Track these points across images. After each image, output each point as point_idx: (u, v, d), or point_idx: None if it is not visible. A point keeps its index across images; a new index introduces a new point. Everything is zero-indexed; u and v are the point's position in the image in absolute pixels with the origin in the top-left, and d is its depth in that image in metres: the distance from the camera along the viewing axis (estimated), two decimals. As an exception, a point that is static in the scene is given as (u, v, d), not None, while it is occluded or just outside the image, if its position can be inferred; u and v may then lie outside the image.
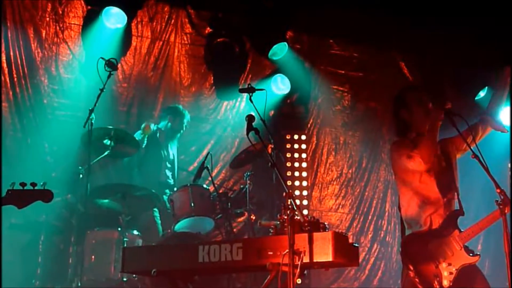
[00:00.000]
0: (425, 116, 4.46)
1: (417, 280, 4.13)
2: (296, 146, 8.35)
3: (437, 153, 4.46)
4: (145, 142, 6.81)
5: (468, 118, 4.30)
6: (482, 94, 8.45)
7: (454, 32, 8.17)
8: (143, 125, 6.80)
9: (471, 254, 4.18)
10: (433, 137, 4.32)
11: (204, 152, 7.53)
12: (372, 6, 7.83)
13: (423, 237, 4.26)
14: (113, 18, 7.29)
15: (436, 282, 4.12)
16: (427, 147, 4.27)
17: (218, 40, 8.10)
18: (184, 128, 7.26)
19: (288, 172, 8.16)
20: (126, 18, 7.31)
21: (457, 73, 8.64)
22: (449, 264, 4.17)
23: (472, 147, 4.06)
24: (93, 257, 6.00)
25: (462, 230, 4.27)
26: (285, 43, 7.99)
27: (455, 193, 4.41)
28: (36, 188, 3.97)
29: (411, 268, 4.16)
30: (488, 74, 8.26)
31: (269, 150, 5.97)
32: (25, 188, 3.96)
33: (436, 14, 7.84)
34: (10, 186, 4.00)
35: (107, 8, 7.21)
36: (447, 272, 4.15)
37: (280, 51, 8.03)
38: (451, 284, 4.12)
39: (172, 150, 7.24)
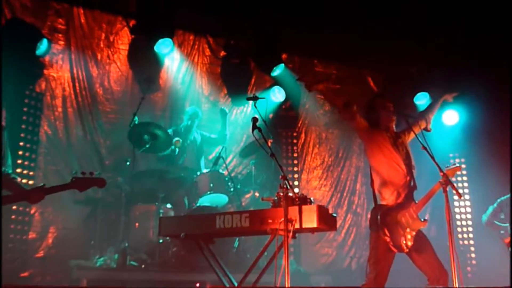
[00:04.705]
0: (387, 116, 4.52)
1: (390, 242, 4.13)
2: (289, 140, 8.33)
3: (400, 143, 4.48)
4: (177, 151, 6.72)
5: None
6: (421, 98, 8.37)
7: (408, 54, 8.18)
8: (173, 140, 6.65)
9: (422, 220, 4.21)
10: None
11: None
12: (347, 34, 7.83)
13: (393, 209, 4.25)
14: (163, 46, 7.26)
15: (403, 243, 4.14)
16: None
17: (230, 61, 8.12)
18: (188, 119, 6.97)
19: (283, 160, 8.15)
20: (173, 45, 7.30)
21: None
22: (410, 229, 4.19)
23: (421, 141, 4.09)
24: (137, 224, 6.05)
25: (416, 201, 4.29)
26: (283, 64, 8.00)
27: (412, 172, 4.42)
28: (93, 176, 4.06)
29: (387, 233, 4.16)
30: (427, 82, 8.24)
31: (269, 144, 5.96)
32: (85, 176, 4.05)
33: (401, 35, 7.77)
34: (74, 174, 4.05)
35: (161, 40, 7.14)
36: (410, 236, 4.16)
37: (279, 69, 8.05)
38: (412, 243, 4.15)
39: (198, 141, 7.16)
